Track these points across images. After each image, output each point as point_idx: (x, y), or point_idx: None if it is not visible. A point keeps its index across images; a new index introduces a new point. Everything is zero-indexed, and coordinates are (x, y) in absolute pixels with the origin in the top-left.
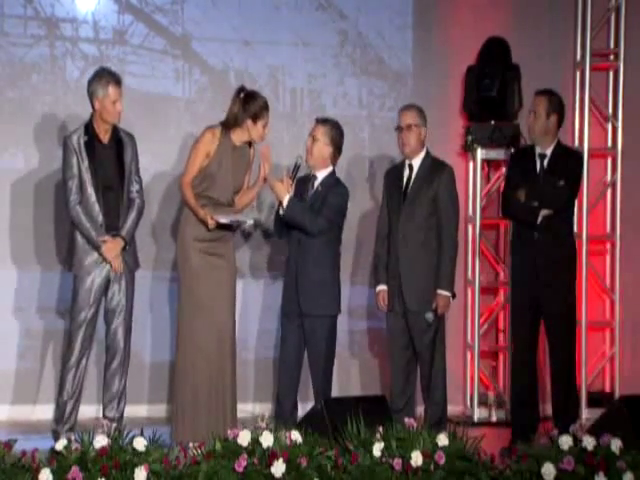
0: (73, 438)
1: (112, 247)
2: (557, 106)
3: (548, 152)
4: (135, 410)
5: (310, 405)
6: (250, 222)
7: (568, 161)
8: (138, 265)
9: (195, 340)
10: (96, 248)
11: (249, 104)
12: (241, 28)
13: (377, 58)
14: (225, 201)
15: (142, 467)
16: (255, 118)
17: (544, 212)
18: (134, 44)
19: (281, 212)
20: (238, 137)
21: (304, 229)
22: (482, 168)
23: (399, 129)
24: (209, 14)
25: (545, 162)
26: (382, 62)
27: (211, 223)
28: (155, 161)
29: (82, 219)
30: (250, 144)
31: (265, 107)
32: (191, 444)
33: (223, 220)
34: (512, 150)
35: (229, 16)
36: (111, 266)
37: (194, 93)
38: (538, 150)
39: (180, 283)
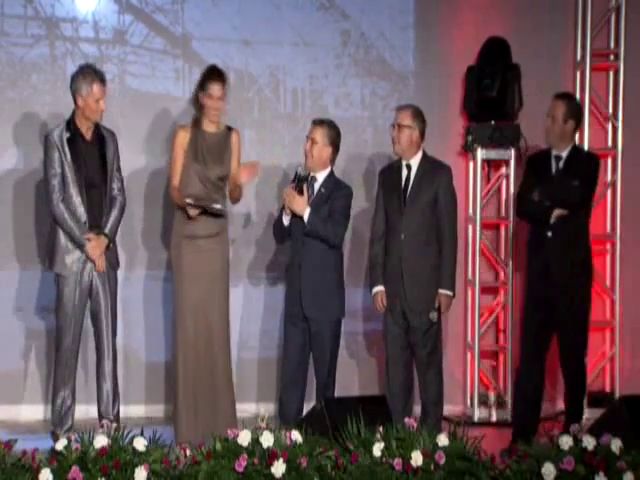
0: (73, 438)
1: (96, 245)
2: (575, 111)
3: (564, 154)
4: (132, 410)
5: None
6: (218, 206)
7: (583, 163)
8: (118, 264)
9: (186, 339)
10: (80, 247)
11: (200, 76)
12: (241, 28)
13: (379, 58)
14: (210, 188)
15: (142, 467)
16: (202, 86)
17: (557, 212)
18: (134, 44)
19: (285, 221)
20: (208, 124)
21: (326, 241)
22: (482, 168)
23: (392, 127)
24: (209, 14)
25: (561, 164)
26: (384, 62)
27: (189, 210)
28: (154, 161)
29: (66, 217)
30: (230, 129)
31: (211, 73)
32: (178, 445)
33: (189, 200)
34: (512, 150)
35: (229, 16)
36: (94, 265)
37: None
38: (554, 152)
39: (173, 283)
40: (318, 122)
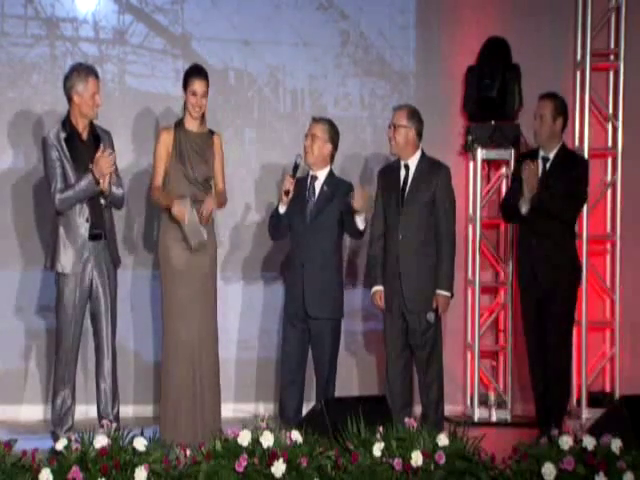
0: (73, 438)
1: (104, 163)
2: (562, 109)
3: (551, 155)
4: (121, 410)
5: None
6: (195, 241)
7: (571, 166)
8: (119, 262)
9: (176, 340)
10: (95, 191)
11: (184, 75)
12: (241, 28)
13: (379, 58)
14: (198, 188)
15: (142, 467)
16: (185, 85)
17: (525, 207)
18: (134, 44)
19: (280, 209)
20: (191, 124)
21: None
22: (482, 168)
23: (389, 127)
24: (209, 14)
25: (548, 165)
26: (384, 62)
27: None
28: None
29: (68, 194)
30: (213, 132)
31: (192, 70)
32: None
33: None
34: (512, 150)
35: (229, 16)
36: (96, 264)
37: None
38: (542, 153)
39: (161, 283)
40: (318, 119)
